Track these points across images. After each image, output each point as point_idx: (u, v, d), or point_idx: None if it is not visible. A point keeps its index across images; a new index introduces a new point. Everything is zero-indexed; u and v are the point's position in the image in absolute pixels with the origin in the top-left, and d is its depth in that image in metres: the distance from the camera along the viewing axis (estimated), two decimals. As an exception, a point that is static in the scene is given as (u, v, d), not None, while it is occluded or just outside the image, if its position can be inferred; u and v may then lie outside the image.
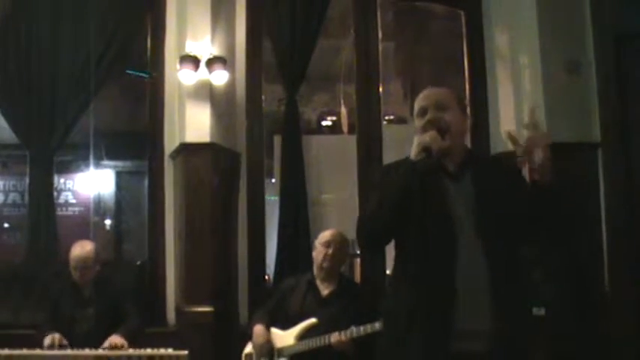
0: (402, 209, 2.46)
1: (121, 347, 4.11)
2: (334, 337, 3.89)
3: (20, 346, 4.07)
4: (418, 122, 2.62)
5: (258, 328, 4.19)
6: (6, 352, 4.03)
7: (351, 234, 5.44)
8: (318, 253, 4.29)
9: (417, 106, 2.65)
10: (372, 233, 2.60)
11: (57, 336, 4.15)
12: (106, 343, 4.14)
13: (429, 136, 2.45)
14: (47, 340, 4.13)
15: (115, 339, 4.16)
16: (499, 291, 2.44)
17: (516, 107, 5.42)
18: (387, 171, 2.72)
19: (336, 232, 4.37)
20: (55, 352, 4.08)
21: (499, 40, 5.66)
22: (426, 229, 2.48)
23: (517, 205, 2.56)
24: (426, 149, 2.42)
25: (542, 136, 2.62)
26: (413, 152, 2.45)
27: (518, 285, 2.55)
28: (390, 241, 2.65)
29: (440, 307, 2.41)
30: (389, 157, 5.31)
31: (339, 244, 4.29)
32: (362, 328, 3.85)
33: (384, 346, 2.70)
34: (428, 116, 2.58)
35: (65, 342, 4.16)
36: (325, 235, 4.33)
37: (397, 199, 2.46)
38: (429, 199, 2.48)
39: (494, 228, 2.48)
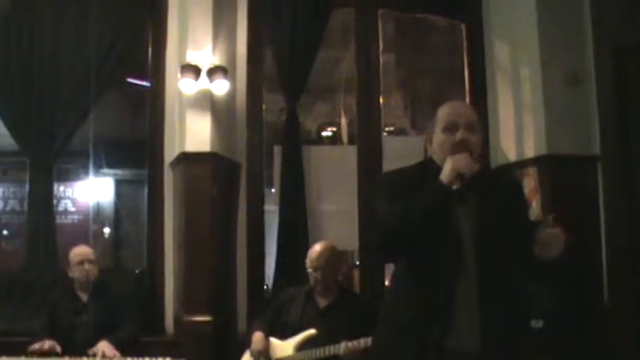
0: (429, 229, 2.45)
1: (112, 357, 4.10)
2: (343, 348, 3.86)
3: (18, 354, 4.07)
4: (444, 136, 2.58)
5: (258, 335, 4.18)
6: (3, 359, 4.03)
7: (351, 244, 5.49)
8: (309, 275, 4.28)
9: (446, 119, 2.60)
10: (394, 246, 2.57)
11: (47, 342, 4.15)
12: (96, 350, 4.13)
13: (464, 162, 2.44)
14: (35, 345, 4.13)
15: (105, 348, 4.15)
16: (490, 316, 2.46)
17: (516, 120, 5.43)
18: (389, 182, 2.72)
19: (321, 250, 4.32)
20: (60, 359, 4.09)
21: (500, 52, 5.68)
22: (432, 247, 2.47)
23: (518, 226, 2.57)
24: (460, 175, 2.42)
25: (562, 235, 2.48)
26: (448, 176, 2.43)
27: (512, 312, 2.56)
28: (406, 254, 2.61)
29: (435, 323, 2.43)
30: (389, 168, 5.30)
31: (326, 261, 4.27)
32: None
33: (377, 351, 2.74)
34: (459, 136, 2.54)
35: (58, 349, 4.16)
36: (312, 258, 4.29)
37: (427, 220, 2.44)
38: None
39: (494, 252, 2.50)
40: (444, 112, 2.63)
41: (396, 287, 2.70)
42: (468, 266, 2.48)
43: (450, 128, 2.57)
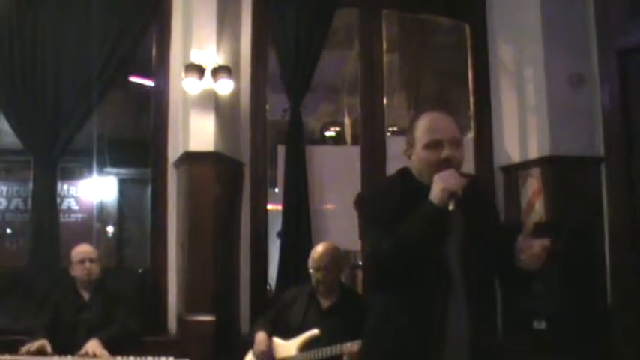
0: (421, 253, 2.39)
1: (101, 356, 4.10)
2: (347, 348, 3.85)
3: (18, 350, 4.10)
4: (427, 153, 2.50)
5: (261, 335, 4.18)
6: (6, 357, 4.05)
7: (354, 245, 5.48)
8: (312, 275, 4.28)
9: (430, 136, 2.49)
10: (389, 271, 2.51)
11: (37, 343, 4.16)
12: (84, 350, 4.13)
13: (453, 180, 2.36)
14: (25, 347, 4.15)
15: (94, 347, 4.15)
16: (478, 332, 2.46)
17: (520, 120, 5.43)
18: (372, 204, 2.62)
19: (323, 250, 4.33)
20: (54, 358, 4.09)
21: (503, 53, 5.68)
22: (420, 268, 2.42)
23: (498, 237, 2.59)
24: (453, 195, 2.33)
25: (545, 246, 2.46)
26: (438, 197, 2.34)
27: (493, 324, 2.65)
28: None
29: (427, 345, 2.41)
30: (392, 168, 5.29)
31: (329, 262, 4.27)
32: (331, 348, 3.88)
33: None
34: (445, 154, 2.46)
35: (48, 349, 4.16)
36: (314, 259, 4.29)
37: (425, 245, 2.37)
38: None
39: (482, 266, 2.50)
40: (425, 127, 2.53)
41: (383, 315, 2.58)
42: (456, 285, 2.46)
43: (434, 145, 2.48)
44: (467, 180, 2.42)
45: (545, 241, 2.44)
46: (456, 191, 2.33)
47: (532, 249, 2.43)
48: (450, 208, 2.33)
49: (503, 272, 2.63)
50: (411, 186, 2.54)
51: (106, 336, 4.26)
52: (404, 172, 2.65)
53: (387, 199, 2.55)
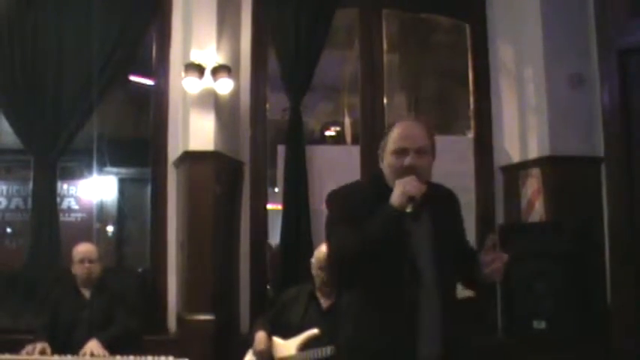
0: (384, 252, 2.51)
1: (101, 356, 4.11)
2: None
3: (19, 351, 4.10)
4: (393, 159, 2.64)
5: (260, 335, 4.18)
6: (6, 357, 4.05)
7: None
8: (316, 275, 4.27)
9: (397, 143, 2.65)
10: (351, 269, 2.63)
11: (39, 346, 4.16)
12: (84, 350, 4.13)
13: (414, 187, 2.49)
14: (26, 349, 4.15)
15: (94, 347, 4.15)
16: (449, 323, 2.61)
17: (520, 120, 5.43)
18: (342, 201, 2.75)
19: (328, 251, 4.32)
20: (55, 357, 4.10)
21: (504, 53, 5.68)
22: (391, 266, 2.55)
23: (460, 240, 2.82)
24: (411, 199, 2.48)
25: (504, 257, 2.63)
26: (397, 200, 2.48)
27: (460, 315, 2.75)
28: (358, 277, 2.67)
29: (404, 341, 2.54)
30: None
31: None
32: None
33: None
34: (407, 162, 2.60)
35: (48, 351, 4.16)
36: (319, 259, 4.27)
37: (382, 244, 2.50)
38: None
39: (449, 263, 2.65)
40: (395, 134, 2.68)
41: (357, 314, 2.71)
42: (427, 280, 2.58)
43: (400, 152, 2.63)
44: (426, 187, 2.55)
45: (504, 256, 2.61)
46: (414, 195, 2.48)
47: (494, 263, 2.59)
48: (408, 210, 2.48)
49: (464, 280, 2.83)
50: (380, 189, 2.67)
51: (106, 336, 4.26)
52: (375, 176, 2.80)
53: (357, 200, 2.68)
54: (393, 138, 2.67)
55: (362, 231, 2.50)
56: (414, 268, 2.57)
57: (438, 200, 2.72)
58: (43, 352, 4.14)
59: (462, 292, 3.67)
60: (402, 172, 2.58)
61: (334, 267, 2.66)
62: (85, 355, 4.11)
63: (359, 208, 2.59)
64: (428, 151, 2.67)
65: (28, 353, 4.12)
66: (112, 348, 4.18)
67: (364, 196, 2.65)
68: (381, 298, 2.59)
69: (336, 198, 2.80)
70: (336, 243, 2.66)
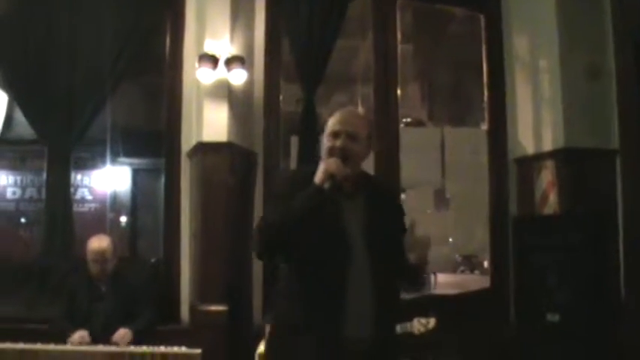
0: (301, 227, 2.58)
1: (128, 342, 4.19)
2: None
3: (34, 341, 4.11)
4: (327, 141, 2.76)
5: None
6: (21, 346, 4.07)
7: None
8: None
9: (330, 127, 2.77)
10: (269, 244, 2.67)
11: (85, 334, 4.21)
12: (116, 338, 4.19)
13: (334, 165, 2.60)
14: (76, 337, 4.19)
15: (127, 336, 4.22)
16: (380, 301, 2.67)
17: (535, 112, 5.41)
18: (288, 181, 2.84)
19: None
20: (68, 347, 4.13)
21: (518, 44, 5.65)
22: (322, 241, 2.62)
23: (395, 231, 2.86)
24: (331, 177, 2.57)
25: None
26: (319, 177, 2.59)
27: (392, 296, 2.86)
28: (282, 253, 2.76)
29: (332, 316, 2.60)
30: (406, 159, 5.30)
31: None
32: (399, 326, 3.86)
33: (272, 352, 2.86)
34: (338, 143, 2.70)
35: (87, 339, 4.21)
36: None
37: (300, 219, 2.56)
38: (325, 215, 2.62)
39: (381, 244, 2.71)
40: (332, 120, 2.80)
41: (287, 287, 2.79)
42: (358, 257, 2.66)
43: (333, 136, 2.74)
44: (350, 170, 2.66)
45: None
46: (334, 174, 2.58)
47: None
48: (326, 186, 2.58)
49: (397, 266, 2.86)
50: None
51: (136, 327, 4.33)
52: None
53: (296, 181, 2.75)
54: (330, 123, 2.80)
55: (286, 207, 2.59)
56: (343, 242, 2.65)
57: (378, 192, 2.85)
58: (82, 340, 4.19)
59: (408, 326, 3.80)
60: (331, 152, 2.69)
61: (261, 243, 2.65)
62: (115, 344, 4.18)
63: (296, 188, 2.65)
64: (361, 140, 2.75)
65: (74, 343, 4.17)
66: (137, 340, 4.24)
67: (305, 179, 2.68)
68: (309, 274, 2.65)
69: (277, 177, 2.92)
70: (264, 217, 2.73)
